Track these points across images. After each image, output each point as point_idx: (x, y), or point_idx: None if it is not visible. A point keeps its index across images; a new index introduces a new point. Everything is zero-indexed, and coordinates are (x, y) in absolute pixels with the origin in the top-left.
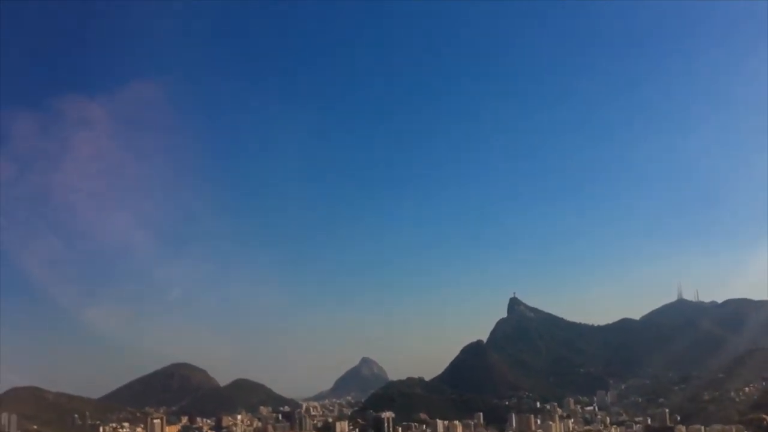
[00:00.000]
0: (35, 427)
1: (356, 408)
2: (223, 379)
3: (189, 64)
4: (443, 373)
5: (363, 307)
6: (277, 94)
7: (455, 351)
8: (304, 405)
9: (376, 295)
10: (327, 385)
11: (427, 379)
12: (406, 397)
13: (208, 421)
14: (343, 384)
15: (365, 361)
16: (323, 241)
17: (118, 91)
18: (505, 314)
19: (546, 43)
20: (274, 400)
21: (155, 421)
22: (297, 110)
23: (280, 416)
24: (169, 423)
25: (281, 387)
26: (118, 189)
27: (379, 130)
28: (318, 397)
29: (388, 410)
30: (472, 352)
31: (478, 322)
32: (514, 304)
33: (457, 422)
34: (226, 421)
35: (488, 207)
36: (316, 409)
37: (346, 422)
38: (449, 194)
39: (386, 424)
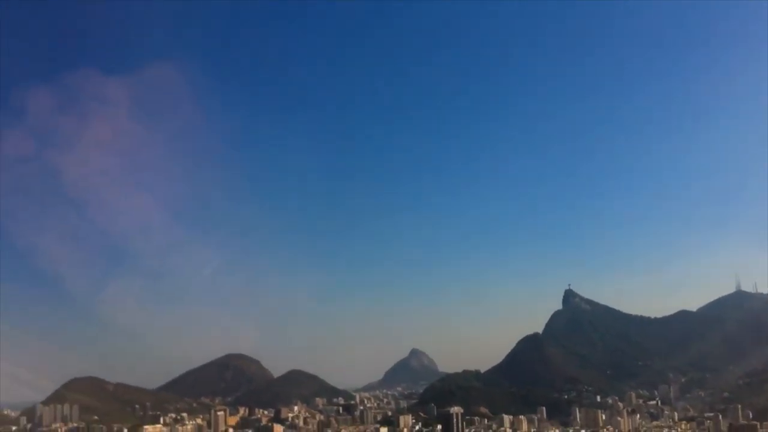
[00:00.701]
0: (96, 417)
1: (414, 401)
2: (275, 369)
3: (211, 50)
4: (499, 365)
5: (412, 298)
6: (305, 81)
7: (507, 343)
8: (357, 396)
9: (425, 287)
10: (376, 376)
11: (478, 370)
12: (465, 390)
13: (266, 412)
14: (393, 375)
15: (414, 352)
16: (370, 231)
17: (139, 71)
18: (560, 306)
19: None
20: (328, 391)
21: (219, 413)
22: (328, 95)
23: (340, 409)
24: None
25: (331, 378)
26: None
27: (432, 119)
28: (368, 388)
29: (447, 403)
30: (529, 344)
31: (531, 314)
32: (569, 296)
33: (522, 417)
34: (285, 412)
35: (542, 198)
36: (370, 401)
37: (409, 416)
38: (505, 184)
39: (455, 420)
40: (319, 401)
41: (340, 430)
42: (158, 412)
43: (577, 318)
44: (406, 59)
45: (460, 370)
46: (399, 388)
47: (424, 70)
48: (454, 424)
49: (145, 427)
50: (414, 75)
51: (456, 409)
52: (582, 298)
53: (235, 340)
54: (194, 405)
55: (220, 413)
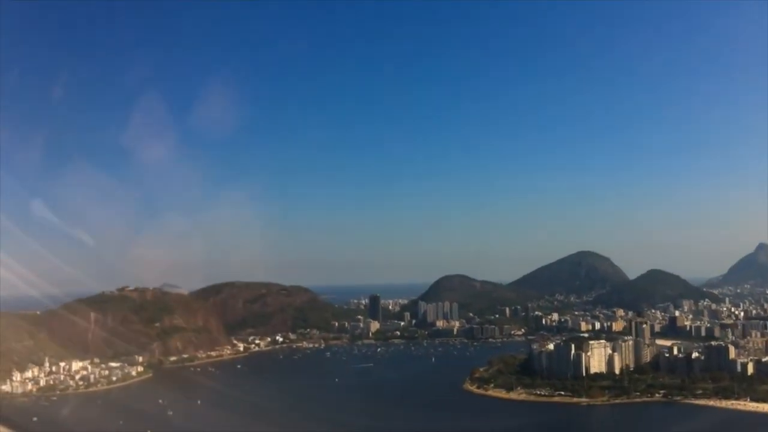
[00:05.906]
0: (471, 314)
1: None
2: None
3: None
4: None
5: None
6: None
7: None
8: (727, 300)
9: None
10: (717, 271)
11: None
12: None
13: (655, 313)
14: (738, 271)
15: (762, 246)
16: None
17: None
18: None
19: None
20: (692, 292)
21: (643, 326)
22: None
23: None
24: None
25: None
26: None
27: None
28: (708, 285)
29: None
30: None
31: None
32: None
33: None
34: (680, 320)
35: None
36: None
37: None
38: None
39: None
40: (687, 304)
41: None
42: (540, 314)
43: None
44: None
45: None
46: (747, 286)
47: None
48: None
49: (591, 342)
50: None
51: None
52: None
53: (583, 238)
54: (554, 303)
55: (645, 326)
